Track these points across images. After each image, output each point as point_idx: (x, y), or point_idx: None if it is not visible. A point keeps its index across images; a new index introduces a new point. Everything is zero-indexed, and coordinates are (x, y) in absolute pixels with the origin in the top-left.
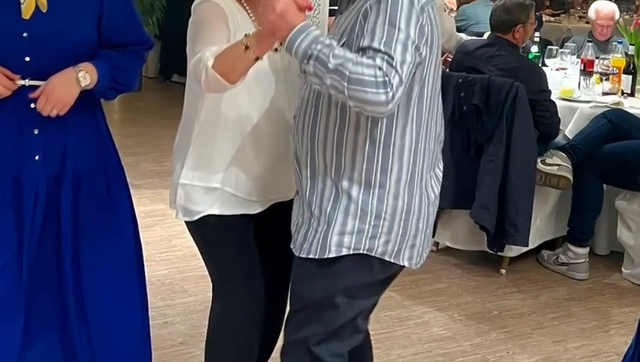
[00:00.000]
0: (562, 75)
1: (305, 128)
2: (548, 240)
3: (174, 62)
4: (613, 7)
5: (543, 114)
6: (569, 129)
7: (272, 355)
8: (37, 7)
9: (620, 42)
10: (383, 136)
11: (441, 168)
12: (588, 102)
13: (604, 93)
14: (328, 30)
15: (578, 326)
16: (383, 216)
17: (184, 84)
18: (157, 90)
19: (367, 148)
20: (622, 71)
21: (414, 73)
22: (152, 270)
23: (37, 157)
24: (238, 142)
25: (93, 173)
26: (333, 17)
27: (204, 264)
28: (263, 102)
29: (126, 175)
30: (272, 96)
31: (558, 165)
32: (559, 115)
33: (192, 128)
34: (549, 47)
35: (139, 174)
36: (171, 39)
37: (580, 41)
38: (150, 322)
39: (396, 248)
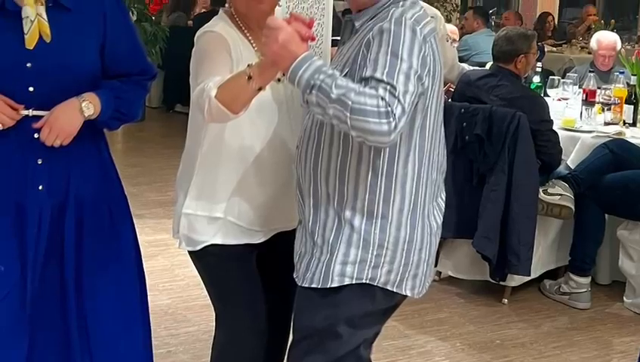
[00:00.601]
0: (564, 105)
1: (307, 158)
2: (550, 270)
3: (177, 93)
4: (615, 38)
5: (545, 144)
6: (571, 159)
7: None
8: (41, 37)
9: (622, 72)
10: (385, 166)
11: (444, 198)
12: (590, 132)
13: (606, 123)
14: (331, 60)
15: (580, 356)
16: (385, 245)
17: (187, 114)
18: (160, 120)
19: (369, 178)
20: (624, 101)
21: (417, 103)
22: (155, 299)
23: (41, 187)
24: (241, 172)
25: (96, 202)
26: (336, 47)
27: (207, 293)
28: (266, 132)
29: (129, 204)
30: (274, 126)
31: (560, 195)
32: (561, 145)
33: (195, 158)
34: (551, 77)
35: (142, 204)
36: (174, 69)
37: (582, 72)
38: (153, 351)
39: (399, 278)
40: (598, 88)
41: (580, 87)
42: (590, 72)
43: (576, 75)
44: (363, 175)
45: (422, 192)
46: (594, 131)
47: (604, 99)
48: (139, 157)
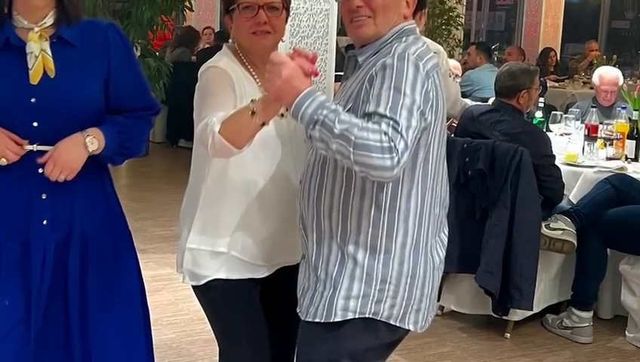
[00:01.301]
0: (566, 140)
1: (311, 193)
2: (552, 304)
3: (181, 128)
4: (617, 73)
5: (548, 179)
6: (573, 194)
7: None
8: (45, 72)
9: (624, 108)
10: (388, 201)
11: (446, 233)
12: (592, 167)
13: (608, 158)
14: (334, 96)
15: None
16: (388, 280)
17: (191, 149)
18: (164, 155)
19: (372, 213)
20: (626, 136)
21: (420, 138)
22: (159, 334)
23: (45, 222)
24: (245, 207)
25: (100, 237)
26: (339, 83)
27: (210, 328)
28: (269, 167)
29: (133, 239)
30: (278, 161)
31: (562, 230)
32: (563, 180)
33: (199, 193)
34: (553, 112)
35: (146, 238)
36: (178, 104)
37: (584, 107)
38: None
39: (402, 312)
40: (601, 123)
41: (582, 122)
42: (592, 107)
43: (578, 110)
44: (366, 210)
45: (425, 227)
46: (596, 166)
47: (607, 134)
48: (143, 192)
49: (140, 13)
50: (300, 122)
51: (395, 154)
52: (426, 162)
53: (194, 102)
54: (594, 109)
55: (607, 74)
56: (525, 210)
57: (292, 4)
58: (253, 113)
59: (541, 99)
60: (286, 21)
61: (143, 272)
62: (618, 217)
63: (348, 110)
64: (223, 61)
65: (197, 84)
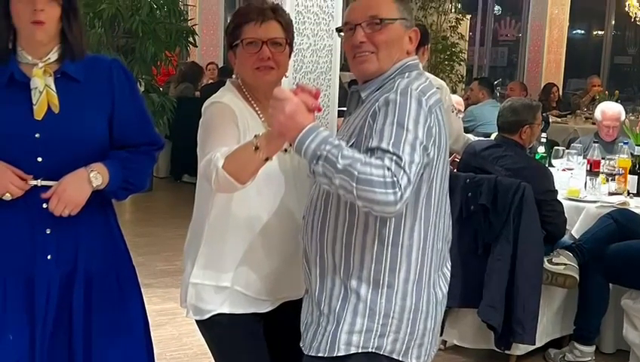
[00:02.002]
0: (569, 176)
1: (314, 228)
2: (554, 339)
3: (185, 163)
4: (619, 109)
5: (550, 214)
6: (575, 228)
7: None
8: (49, 108)
9: (626, 143)
10: (391, 236)
11: (449, 267)
12: (594, 202)
13: (610, 194)
14: (337, 131)
15: None
16: (391, 315)
17: (195, 184)
18: (168, 190)
19: (375, 248)
20: (628, 171)
21: (422, 173)
22: None
23: (49, 257)
24: (248, 242)
25: (104, 272)
26: (342, 118)
27: None
28: (273, 202)
29: (137, 274)
30: (281, 196)
31: (564, 264)
32: (566, 215)
33: (203, 228)
34: (555, 147)
35: (150, 273)
36: (182, 140)
37: (587, 142)
38: None
39: (404, 347)
40: (603, 158)
41: (584, 158)
42: (594, 142)
43: (580, 145)
44: (369, 245)
45: (427, 262)
46: (598, 201)
47: (609, 169)
48: (147, 226)
49: (144, 49)
50: (303, 157)
51: (397, 190)
52: (429, 197)
53: (198, 138)
54: (596, 145)
55: (610, 109)
56: (528, 244)
57: (295, 40)
58: (256, 148)
59: (543, 135)
60: (289, 57)
61: (146, 307)
62: (620, 252)
63: (351, 145)
64: (227, 96)
65: (201, 120)
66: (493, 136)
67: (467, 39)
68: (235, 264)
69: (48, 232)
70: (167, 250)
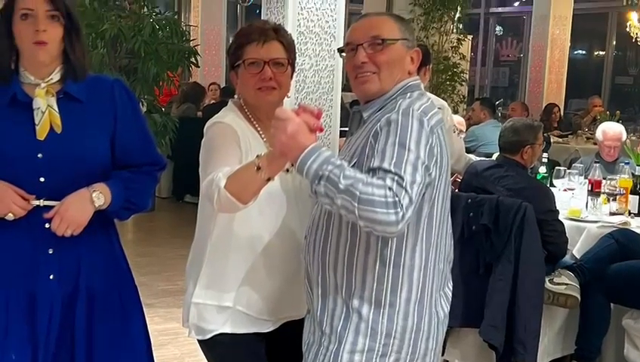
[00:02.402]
0: (570, 196)
1: (316, 248)
2: (556, 358)
3: (187, 183)
4: (620, 129)
5: (551, 234)
6: (577, 248)
7: None
8: (52, 128)
9: (627, 163)
10: (393, 256)
11: (451, 287)
12: (595, 222)
13: (612, 214)
14: (339, 151)
15: None
16: (393, 334)
17: (197, 204)
18: (170, 210)
19: (377, 268)
20: (629, 191)
21: (424, 193)
22: None
23: (51, 276)
24: (250, 262)
25: (106, 292)
26: (344, 138)
27: None
28: (275, 222)
29: (139, 294)
30: (283, 216)
31: (565, 284)
32: (567, 235)
33: (205, 248)
34: (556, 167)
35: (152, 293)
36: (184, 160)
37: (588, 162)
38: None
39: None
40: (604, 179)
41: (585, 178)
42: (596, 162)
43: (581, 165)
44: (371, 264)
45: (429, 282)
46: (599, 221)
47: (610, 189)
48: (149, 246)
49: (147, 69)
50: (305, 177)
51: (399, 209)
52: (431, 217)
53: (200, 158)
54: (597, 165)
55: (611, 129)
56: (529, 264)
57: (297, 61)
58: (258, 168)
59: (545, 155)
60: (291, 77)
61: (149, 326)
62: (621, 272)
63: (353, 165)
64: (229, 117)
65: (203, 140)
66: (494, 156)
67: (469, 59)
68: (237, 284)
69: (51, 252)
70: (169, 270)
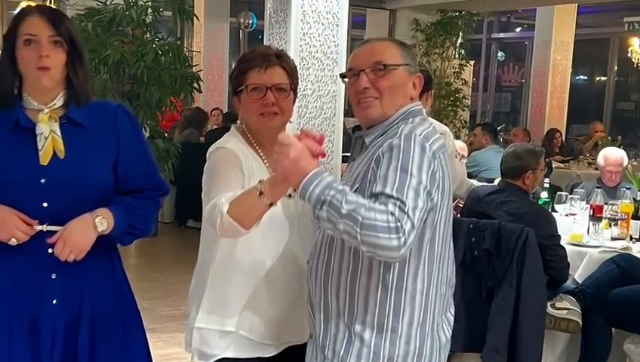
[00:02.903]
0: (571, 221)
1: (318, 273)
2: None
3: (190, 208)
4: (622, 154)
5: (553, 258)
6: (578, 273)
7: None
8: (55, 153)
9: (629, 188)
10: (395, 280)
11: (453, 312)
12: (597, 247)
13: (613, 239)
14: (341, 176)
15: None
16: (395, 359)
17: (199, 229)
18: (172, 235)
19: (379, 292)
20: (630, 216)
21: (426, 218)
22: None
23: (54, 301)
24: (253, 287)
25: (109, 316)
26: (346, 163)
27: None
28: (277, 247)
29: (142, 319)
30: (285, 241)
31: (567, 309)
32: (568, 260)
33: (208, 273)
34: (558, 192)
35: (155, 318)
36: (187, 185)
37: (589, 187)
38: None
39: None
40: (605, 204)
41: (587, 203)
42: (597, 187)
43: (583, 190)
44: (373, 289)
45: (431, 306)
46: (601, 246)
47: (611, 214)
48: (151, 271)
49: (149, 95)
50: (308, 202)
51: (401, 235)
52: (433, 242)
53: (202, 183)
54: (599, 190)
55: (612, 155)
56: (531, 289)
57: (300, 86)
58: (261, 193)
59: (546, 180)
60: (294, 102)
61: (151, 351)
62: (623, 297)
63: (355, 191)
64: (232, 142)
65: (205, 165)
66: (496, 182)
67: (471, 85)
68: (239, 308)
69: (54, 277)
70: (172, 295)
